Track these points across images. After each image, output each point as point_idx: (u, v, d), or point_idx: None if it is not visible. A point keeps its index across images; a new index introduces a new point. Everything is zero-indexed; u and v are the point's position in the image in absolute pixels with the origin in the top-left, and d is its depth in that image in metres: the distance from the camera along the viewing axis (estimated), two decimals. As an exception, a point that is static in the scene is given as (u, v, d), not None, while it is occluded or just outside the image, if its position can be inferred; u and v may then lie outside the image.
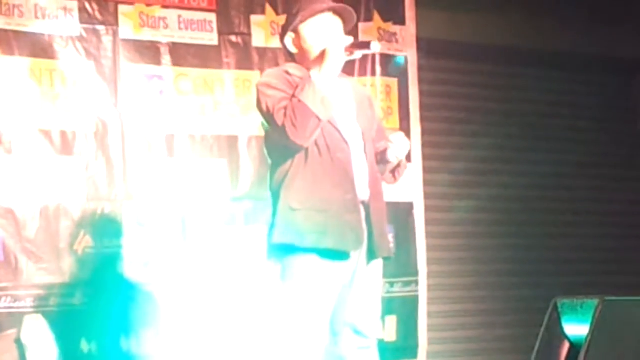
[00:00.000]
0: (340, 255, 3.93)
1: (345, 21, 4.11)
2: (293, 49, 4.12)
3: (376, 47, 4.02)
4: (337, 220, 3.91)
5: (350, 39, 4.03)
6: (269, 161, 4.08)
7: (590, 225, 7.39)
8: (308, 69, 4.04)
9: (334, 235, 3.90)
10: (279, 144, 3.97)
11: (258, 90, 4.01)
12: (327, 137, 3.96)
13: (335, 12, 4.09)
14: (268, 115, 3.95)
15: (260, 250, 4.13)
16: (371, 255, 4.03)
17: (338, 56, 3.95)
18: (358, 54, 4.09)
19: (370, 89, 6.17)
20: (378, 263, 4.10)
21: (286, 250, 3.93)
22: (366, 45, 4.06)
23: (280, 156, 4.00)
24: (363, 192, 4.01)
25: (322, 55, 3.96)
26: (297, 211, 3.92)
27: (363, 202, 4.01)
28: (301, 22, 4.07)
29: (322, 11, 4.07)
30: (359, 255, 4.00)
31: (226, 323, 5.55)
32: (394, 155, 4.11)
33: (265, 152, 4.12)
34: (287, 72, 4.05)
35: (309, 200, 3.92)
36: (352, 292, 4.02)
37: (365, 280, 4.05)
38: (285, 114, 3.87)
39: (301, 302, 3.91)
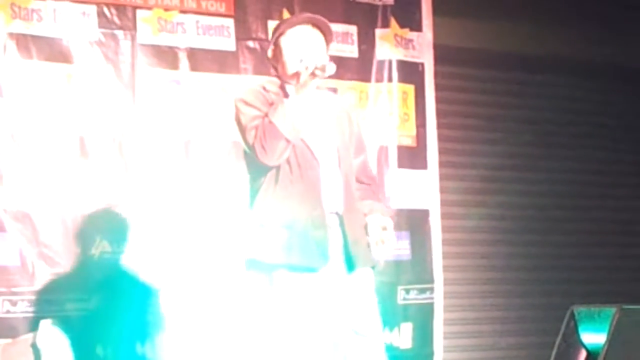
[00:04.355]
0: (306, 269, 3.96)
1: (325, 34, 4.14)
2: (274, 62, 4.17)
3: (331, 70, 3.96)
4: (303, 236, 3.96)
5: (325, 58, 4.02)
6: (248, 176, 4.14)
7: (607, 233, 7.37)
8: (284, 84, 4.09)
9: (299, 251, 3.95)
10: (253, 161, 4.03)
11: (235, 105, 4.07)
12: (299, 155, 4.01)
13: (314, 25, 4.12)
14: (242, 132, 4.02)
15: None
16: (350, 265, 4.05)
17: (311, 74, 3.95)
18: (327, 73, 4.02)
19: (387, 95, 6.19)
20: (365, 272, 4.12)
21: (257, 265, 4.00)
22: (332, 67, 3.97)
23: (255, 172, 4.08)
24: (337, 205, 4.05)
25: (297, 73, 3.98)
26: (265, 227, 3.99)
27: (338, 215, 4.05)
28: (281, 34, 4.12)
29: (300, 23, 4.12)
30: (334, 266, 4.01)
31: (235, 328, 5.54)
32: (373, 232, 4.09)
33: (245, 166, 4.16)
34: (264, 88, 4.11)
35: (276, 217, 3.98)
36: (344, 300, 4.03)
37: (354, 289, 4.06)
38: (255, 135, 3.94)
39: (279, 314, 3.97)
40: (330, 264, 4.00)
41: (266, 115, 3.95)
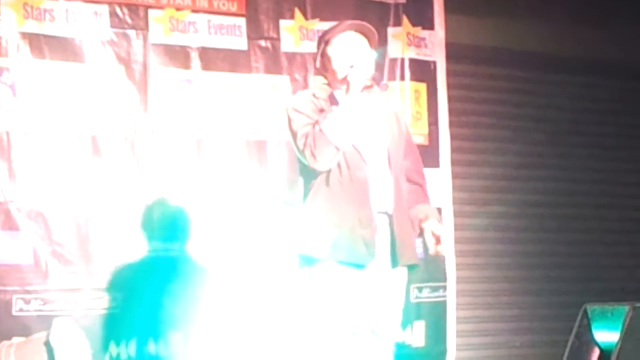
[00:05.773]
0: (353, 266, 4.09)
1: (368, 38, 4.26)
2: (323, 72, 4.30)
3: (385, 89, 4.27)
4: (350, 234, 4.08)
5: (372, 68, 4.18)
6: (301, 178, 4.25)
7: (620, 231, 7.36)
8: (334, 90, 4.21)
9: (347, 248, 4.08)
10: (304, 165, 4.16)
11: (286, 113, 4.19)
12: (348, 158, 4.13)
13: (357, 30, 4.25)
14: (293, 139, 4.15)
15: (287, 256, 4.33)
16: (394, 262, 4.17)
17: (361, 81, 4.10)
18: (376, 89, 4.23)
19: (399, 94, 6.19)
20: (402, 270, 4.23)
21: (308, 260, 4.12)
22: (385, 86, 4.28)
23: (307, 174, 4.20)
24: (387, 205, 4.17)
25: (346, 78, 4.11)
26: (316, 226, 4.12)
27: (387, 214, 4.16)
28: (326, 44, 4.24)
29: (344, 30, 4.24)
30: (379, 263, 4.13)
31: (255, 325, 5.56)
32: (429, 234, 4.21)
33: (298, 169, 4.27)
34: (314, 95, 4.24)
35: (326, 216, 4.11)
36: (374, 296, 4.15)
37: (388, 285, 4.19)
38: (305, 143, 4.07)
39: (322, 307, 4.08)
40: (376, 261, 4.12)
41: (317, 122, 4.06)
